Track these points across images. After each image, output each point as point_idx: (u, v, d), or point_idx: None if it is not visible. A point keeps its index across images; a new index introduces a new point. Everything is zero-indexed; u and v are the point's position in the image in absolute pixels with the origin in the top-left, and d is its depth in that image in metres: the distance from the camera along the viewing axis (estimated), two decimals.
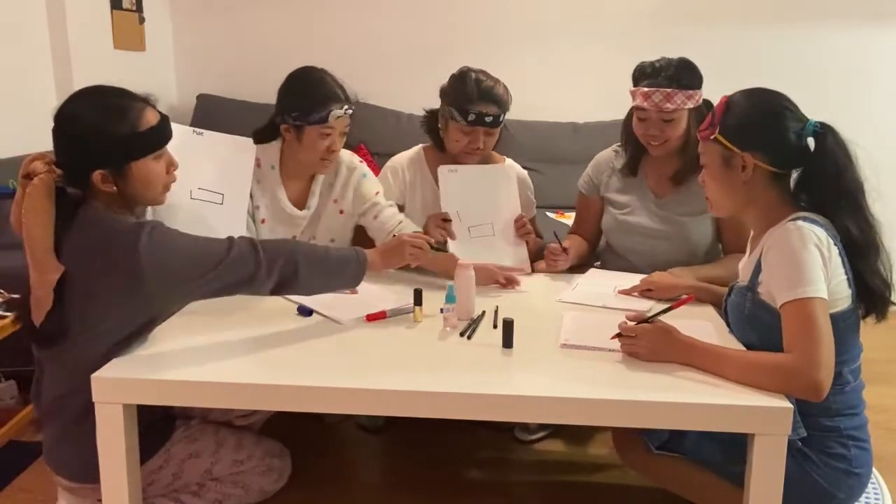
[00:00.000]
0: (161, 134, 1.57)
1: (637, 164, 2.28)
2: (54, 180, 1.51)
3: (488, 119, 2.16)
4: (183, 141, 1.81)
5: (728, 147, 1.58)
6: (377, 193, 2.27)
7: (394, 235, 2.19)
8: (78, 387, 1.49)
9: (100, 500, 1.52)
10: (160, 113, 1.59)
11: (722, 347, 1.52)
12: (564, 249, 2.18)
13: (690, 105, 2.09)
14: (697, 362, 1.49)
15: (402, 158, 2.39)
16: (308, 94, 2.04)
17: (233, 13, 4.14)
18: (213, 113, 3.98)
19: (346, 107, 2.06)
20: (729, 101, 1.61)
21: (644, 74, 2.11)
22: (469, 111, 2.15)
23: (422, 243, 1.85)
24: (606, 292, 2.02)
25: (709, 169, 1.65)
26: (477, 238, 2.21)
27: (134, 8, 3.84)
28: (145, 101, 1.56)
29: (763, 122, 1.58)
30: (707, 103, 2.16)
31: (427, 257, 1.88)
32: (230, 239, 1.60)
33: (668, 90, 2.06)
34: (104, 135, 1.49)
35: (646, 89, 2.08)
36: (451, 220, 2.18)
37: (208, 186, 1.97)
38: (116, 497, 1.49)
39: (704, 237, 2.20)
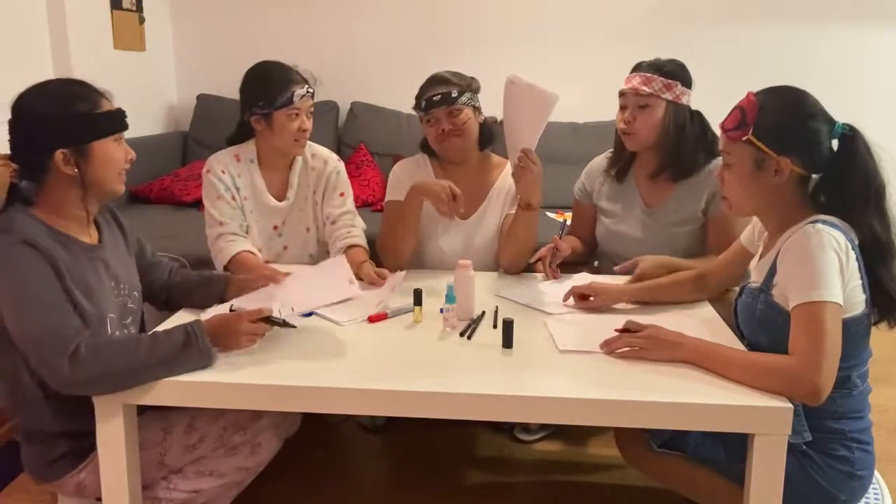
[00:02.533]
0: (119, 119, 1.57)
1: (625, 167, 2.27)
2: (10, 175, 1.51)
3: (436, 98, 2.15)
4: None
5: (763, 150, 1.51)
6: (342, 195, 2.31)
7: (344, 249, 2.18)
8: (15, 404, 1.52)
9: (99, 499, 1.52)
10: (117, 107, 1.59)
11: (724, 347, 1.52)
12: (556, 249, 2.15)
13: (668, 95, 2.09)
14: (699, 362, 1.49)
15: (406, 159, 2.41)
16: (269, 83, 2.14)
17: (233, 13, 4.15)
18: (213, 113, 3.98)
19: (306, 87, 2.15)
20: (760, 101, 1.52)
21: (635, 67, 2.16)
22: (420, 100, 2.20)
23: (260, 329, 1.55)
24: (544, 295, 1.98)
25: (735, 170, 1.57)
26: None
27: (134, 8, 3.84)
28: (102, 94, 1.57)
29: (802, 126, 1.51)
30: (699, 115, 2.16)
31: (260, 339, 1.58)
32: (77, 338, 1.40)
33: (648, 75, 2.10)
34: (67, 112, 1.49)
35: (629, 76, 2.14)
36: (459, 195, 2.03)
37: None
38: (116, 497, 1.49)
39: (692, 245, 2.19)
